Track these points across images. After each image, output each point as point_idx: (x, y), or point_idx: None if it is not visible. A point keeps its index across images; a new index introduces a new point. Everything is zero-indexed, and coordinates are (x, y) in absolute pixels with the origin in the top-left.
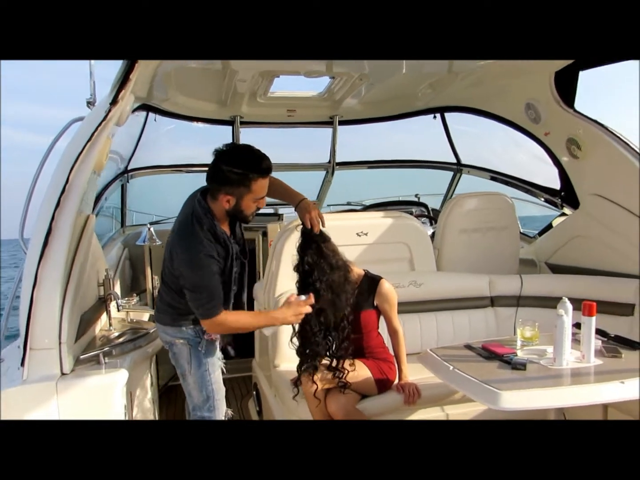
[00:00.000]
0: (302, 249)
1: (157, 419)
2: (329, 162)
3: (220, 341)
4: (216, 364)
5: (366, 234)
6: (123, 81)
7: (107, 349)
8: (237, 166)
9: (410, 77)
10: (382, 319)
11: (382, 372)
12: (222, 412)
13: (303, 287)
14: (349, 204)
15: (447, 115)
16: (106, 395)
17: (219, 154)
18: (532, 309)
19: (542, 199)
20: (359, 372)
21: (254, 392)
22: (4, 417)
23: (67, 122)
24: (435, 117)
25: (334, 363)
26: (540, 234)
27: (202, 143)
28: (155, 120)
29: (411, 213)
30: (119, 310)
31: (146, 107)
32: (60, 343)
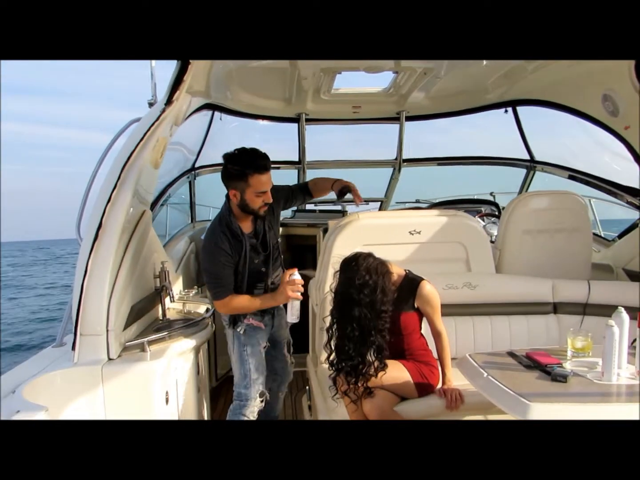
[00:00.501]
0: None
1: (205, 407)
2: (396, 158)
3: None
4: (255, 346)
5: (419, 233)
6: (177, 82)
7: (152, 337)
8: (236, 164)
9: (479, 68)
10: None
11: (423, 375)
12: (256, 390)
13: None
14: (417, 201)
15: (519, 109)
16: (147, 381)
17: (226, 156)
18: (600, 318)
19: (625, 201)
20: (398, 373)
21: (307, 387)
22: (55, 397)
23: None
24: (506, 111)
25: (361, 367)
26: (620, 236)
27: (266, 141)
28: (220, 119)
29: (479, 212)
30: (172, 301)
31: (212, 107)
32: (107, 330)
